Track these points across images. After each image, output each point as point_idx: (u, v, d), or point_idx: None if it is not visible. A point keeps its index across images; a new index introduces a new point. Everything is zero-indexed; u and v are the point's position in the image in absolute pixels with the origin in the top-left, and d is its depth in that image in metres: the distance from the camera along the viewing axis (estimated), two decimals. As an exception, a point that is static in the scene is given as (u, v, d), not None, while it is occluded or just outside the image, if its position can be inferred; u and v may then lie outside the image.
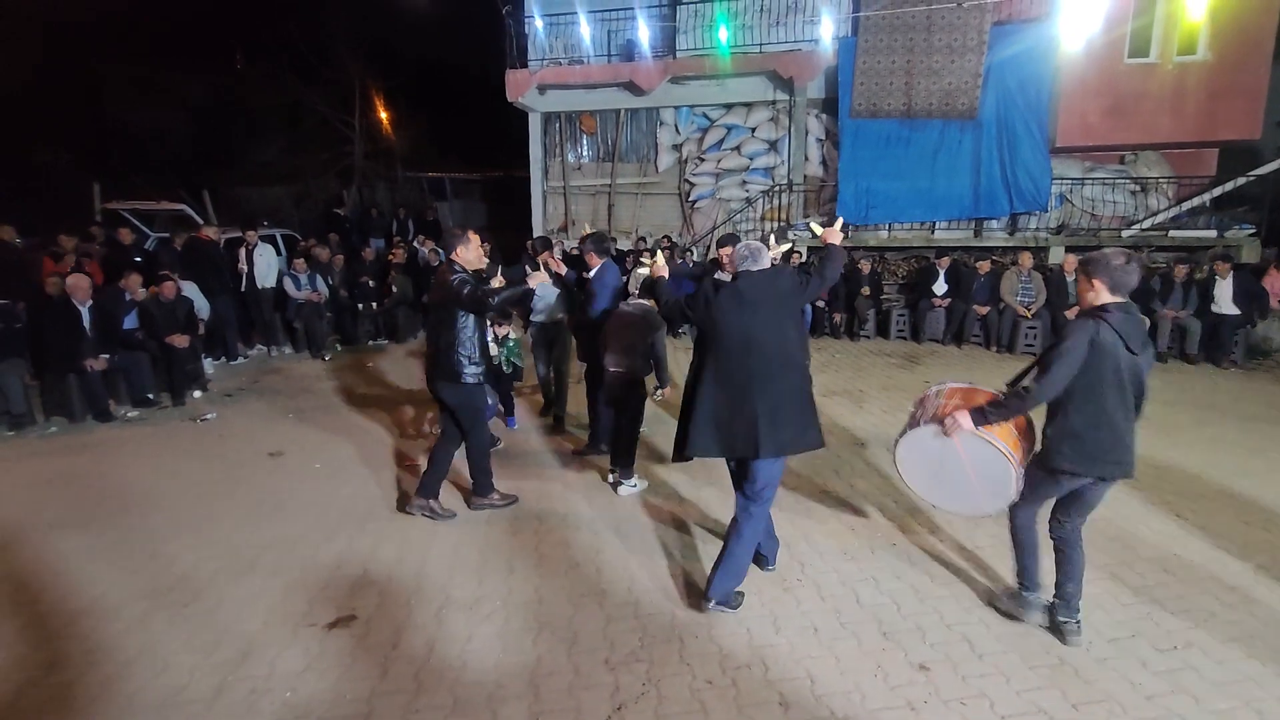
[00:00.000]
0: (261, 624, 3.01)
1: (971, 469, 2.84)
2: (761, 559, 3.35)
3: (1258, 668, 2.67)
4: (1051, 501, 2.90)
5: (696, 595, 3.17)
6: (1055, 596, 2.90)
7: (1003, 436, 2.78)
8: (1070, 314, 7.88)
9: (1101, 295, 2.67)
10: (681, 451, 3.09)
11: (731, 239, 4.38)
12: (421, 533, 3.84)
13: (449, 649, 2.83)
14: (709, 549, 3.63)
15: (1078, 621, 2.83)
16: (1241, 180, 9.65)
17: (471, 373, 3.79)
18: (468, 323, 3.78)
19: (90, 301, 6.01)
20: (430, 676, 2.67)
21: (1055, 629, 2.88)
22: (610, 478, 4.44)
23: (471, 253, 3.86)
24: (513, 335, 5.39)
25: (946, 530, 3.80)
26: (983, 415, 2.75)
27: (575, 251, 7.66)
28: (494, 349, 5.06)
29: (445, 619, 3.04)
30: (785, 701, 2.52)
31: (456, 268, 3.79)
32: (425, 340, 4.03)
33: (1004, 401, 2.78)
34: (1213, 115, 9.68)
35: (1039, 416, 2.85)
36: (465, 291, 3.67)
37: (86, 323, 5.92)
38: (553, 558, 3.56)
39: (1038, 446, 2.85)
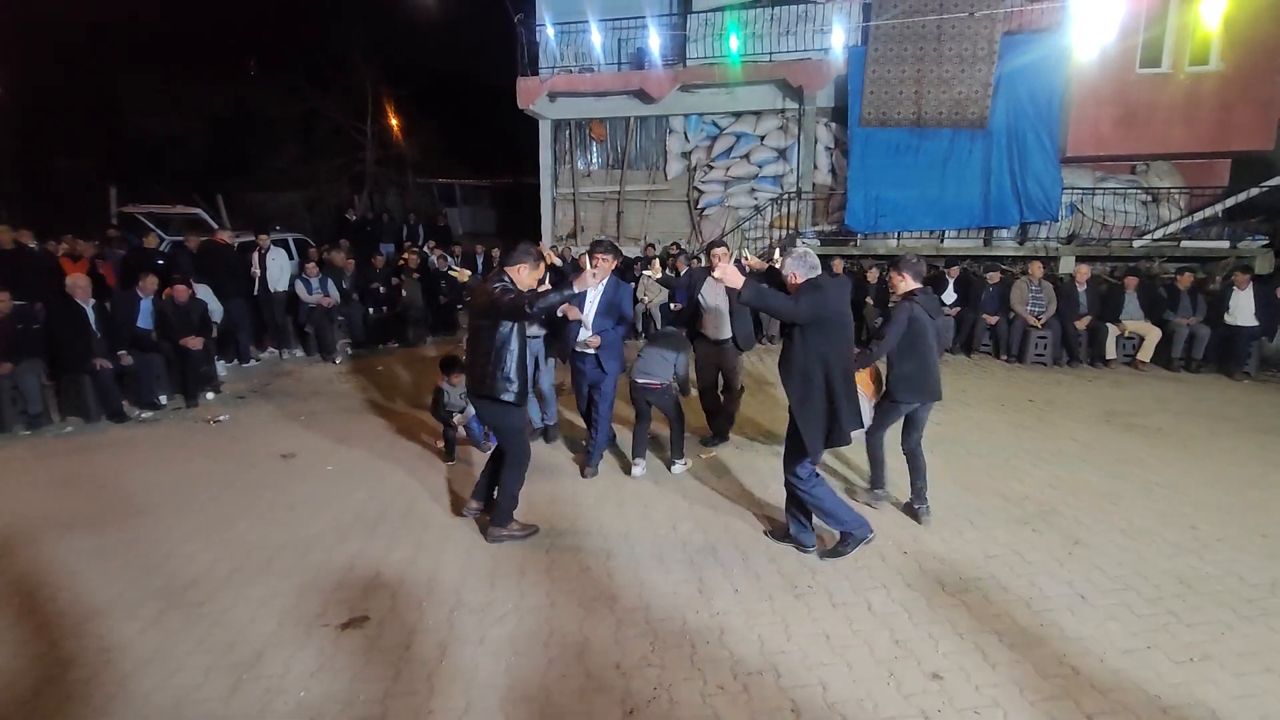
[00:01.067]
0: (276, 625, 3.03)
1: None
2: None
3: (1275, 682, 2.64)
4: (899, 425, 4.03)
5: (707, 601, 3.17)
6: (912, 492, 4.03)
7: (860, 382, 3.67)
8: (1080, 324, 7.88)
9: (909, 284, 3.90)
10: (834, 442, 3.37)
11: (718, 244, 5.00)
12: (434, 536, 3.85)
13: (461, 651, 2.84)
14: (720, 554, 3.63)
15: (927, 507, 3.98)
16: (1254, 191, 9.61)
17: (510, 391, 3.55)
18: (509, 335, 3.54)
19: (93, 301, 6.08)
20: (443, 679, 2.68)
21: (911, 514, 4.01)
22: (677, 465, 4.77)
23: (528, 276, 3.62)
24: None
25: (958, 538, 3.78)
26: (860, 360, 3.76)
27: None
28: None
29: (457, 622, 3.05)
30: (797, 709, 2.52)
31: (504, 278, 3.57)
32: (466, 352, 3.79)
33: (858, 357, 3.68)
34: (1225, 126, 9.65)
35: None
36: (506, 298, 3.42)
37: (92, 322, 5.99)
38: (563, 562, 3.57)
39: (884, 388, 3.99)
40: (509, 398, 3.56)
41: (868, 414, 3.82)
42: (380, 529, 3.94)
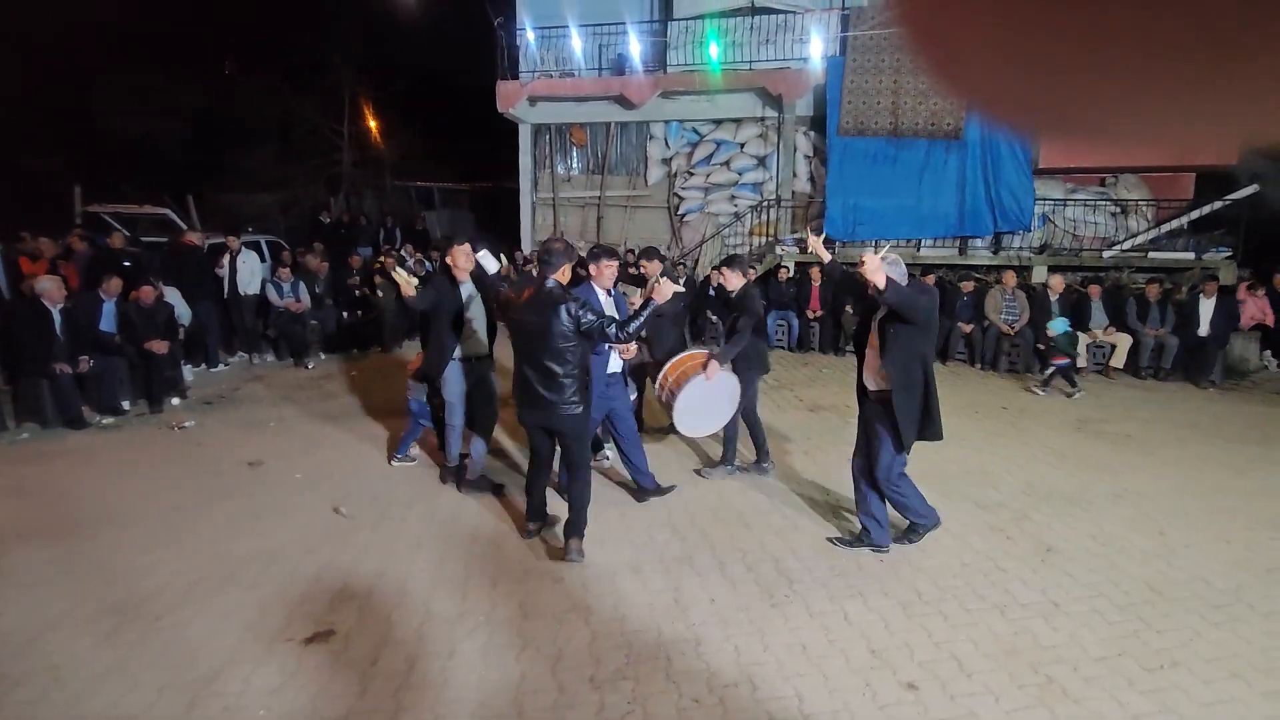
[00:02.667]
0: (236, 639, 2.92)
1: (723, 393, 4.38)
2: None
3: (1243, 688, 2.67)
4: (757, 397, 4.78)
5: (684, 612, 3.13)
6: (758, 454, 4.79)
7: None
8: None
9: (739, 280, 4.57)
10: (928, 435, 3.51)
11: (653, 253, 5.22)
12: (406, 546, 3.76)
13: (430, 665, 2.76)
14: (696, 563, 3.59)
15: (772, 464, 4.79)
16: (1218, 204, 9.86)
17: (585, 399, 3.55)
18: (583, 347, 3.50)
19: (62, 304, 5.89)
20: (410, 694, 2.60)
21: (759, 470, 4.73)
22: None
23: (564, 275, 3.59)
24: None
25: (934, 545, 3.79)
26: (721, 358, 4.35)
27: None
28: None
29: (427, 634, 2.97)
30: (773, 721, 2.48)
31: (564, 290, 3.50)
32: (518, 363, 3.59)
33: (728, 348, 4.42)
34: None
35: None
36: (594, 325, 3.38)
37: (58, 326, 5.79)
38: (537, 572, 3.50)
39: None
40: (582, 407, 3.54)
41: (740, 392, 4.42)
42: (350, 539, 3.84)
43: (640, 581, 3.42)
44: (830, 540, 3.84)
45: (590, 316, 3.41)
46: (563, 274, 3.56)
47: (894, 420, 3.42)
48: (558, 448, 3.76)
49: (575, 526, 3.61)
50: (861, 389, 3.69)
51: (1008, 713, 2.53)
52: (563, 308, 3.37)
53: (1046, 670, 2.77)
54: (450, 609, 3.16)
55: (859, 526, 3.80)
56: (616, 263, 4.14)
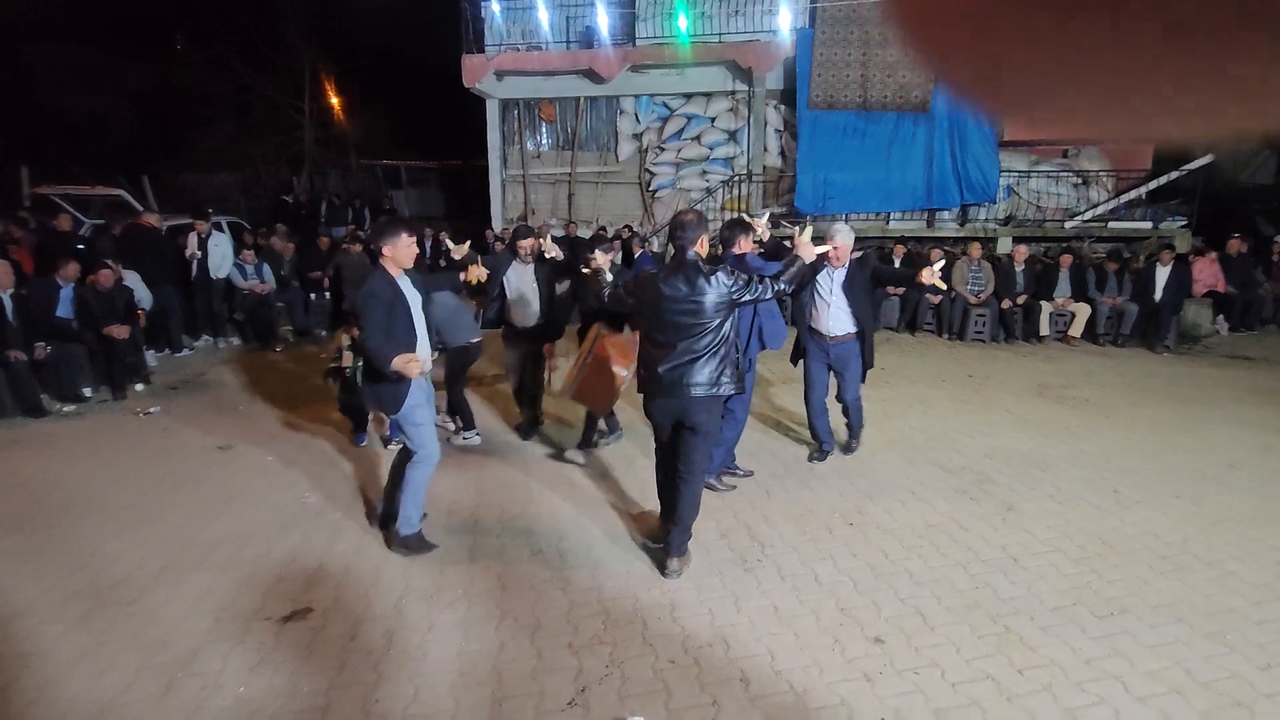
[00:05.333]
0: (212, 620, 2.92)
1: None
2: None
3: (1186, 630, 2.83)
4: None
5: (660, 579, 3.21)
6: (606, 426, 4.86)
7: (621, 350, 4.23)
8: (1019, 301, 8.21)
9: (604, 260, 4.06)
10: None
11: (527, 231, 5.00)
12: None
13: (409, 639, 2.80)
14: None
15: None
16: (1174, 175, 10.12)
17: (738, 381, 3.25)
18: (730, 322, 3.20)
19: (11, 289, 5.69)
20: (390, 667, 2.63)
21: (592, 446, 4.68)
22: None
23: (702, 247, 3.26)
24: None
25: (901, 509, 3.91)
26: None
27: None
28: (348, 358, 4.54)
29: (405, 609, 2.99)
30: (746, 678, 2.57)
31: (693, 255, 3.16)
32: (652, 350, 3.22)
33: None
34: (1149, 111, 10.11)
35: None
36: (752, 286, 3.11)
37: (9, 312, 5.60)
38: (515, 546, 3.54)
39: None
40: (733, 388, 3.23)
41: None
42: (324, 519, 3.83)
43: (617, 552, 3.48)
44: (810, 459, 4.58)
45: (743, 279, 3.14)
46: (700, 245, 3.24)
47: (862, 350, 4.40)
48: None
49: (681, 543, 3.28)
50: (816, 339, 4.46)
51: (968, 661, 2.65)
52: (713, 277, 3.11)
53: (1005, 621, 2.90)
54: (428, 584, 3.18)
55: (826, 446, 4.64)
56: (532, 240, 4.65)
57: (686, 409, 3.16)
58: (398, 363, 3.11)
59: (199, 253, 7.86)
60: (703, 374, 3.11)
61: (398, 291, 3.29)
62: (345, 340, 4.64)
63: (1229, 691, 2.48)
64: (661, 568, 3.27)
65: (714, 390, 3.14)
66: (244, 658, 2.68)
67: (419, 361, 3.19)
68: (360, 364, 4.09)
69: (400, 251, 3.29)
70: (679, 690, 2.51)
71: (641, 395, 3.32)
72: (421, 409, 3.39)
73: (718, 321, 3.12)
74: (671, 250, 3.36)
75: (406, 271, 3.39)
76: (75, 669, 2.62)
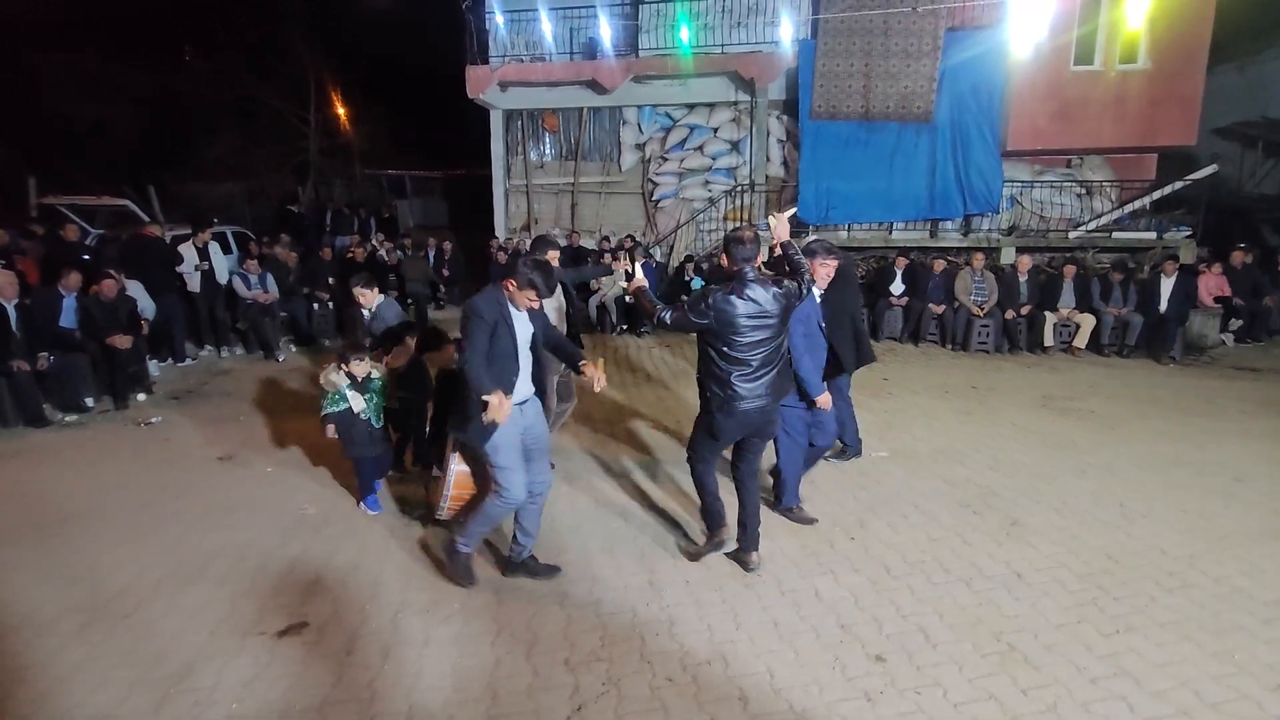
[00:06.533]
0: (208, 634, 2.90)
1: None
2: None
3: (1193, 649, 2.78)
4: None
5: (658, 594, 3.17)
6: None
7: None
8: (1023, 311, 8.17)
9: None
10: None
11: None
12: (379, 538, 3.75)
13: (405, 654, 2.77)
14: (671, 546, 3.63)
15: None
16: (1179, 185, 10.09)
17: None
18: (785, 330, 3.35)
19: (17, 300, 5.71)
20: (385, 683, 2.61)
21: None
22: None
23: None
24: (375, 374, 4.02)
25: (903, 523, 3.87)
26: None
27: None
28: (357, 402, 3.88)
29: (401, 624, 2.97)
30: (745, 696, 2.53)
31: (751, 272, 3.16)
32: (727, 369, 3.19)
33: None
34: (1152, 121, 10.09)
35: None
36: (795, 290, 3.24)
37: (14, 322, 5.62)
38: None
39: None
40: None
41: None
42: (323, 532, 3.81)
43: (616, 565, 3.45)
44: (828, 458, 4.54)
45: (793, 286, 3.24)
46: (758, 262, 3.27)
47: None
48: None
49: (755, 538, 3.45)
50: None
51: (971, 680, 2.61)
52: (777, 289, 3.17)
53: (1009, 639, 2.86)
54: (425, 599, 3.16)
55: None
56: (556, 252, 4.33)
57: (769, 418, 3.32)
58: (491, 402, 2.78)
59: (205, 264, 7.90)
60: (780, 382, 3.31)
61: (504, 315, 3.00)
62: (361, 369, 3.91)
63: (1238, 713, 2.44)
64: (744, 564, 3.41)
65: (785, 397, 3.40)
66: (239, 673, 2.66)
67: (507, 408, 2.84)
68: (375, 401, 3.94)
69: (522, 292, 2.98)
70: (676, 709, 2.47)
71: (716, 413, 3.24)
72: (508, 452, 3.06)
73: (783, 331, 3.28)
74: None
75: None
76: (70, 683, 2.61)
